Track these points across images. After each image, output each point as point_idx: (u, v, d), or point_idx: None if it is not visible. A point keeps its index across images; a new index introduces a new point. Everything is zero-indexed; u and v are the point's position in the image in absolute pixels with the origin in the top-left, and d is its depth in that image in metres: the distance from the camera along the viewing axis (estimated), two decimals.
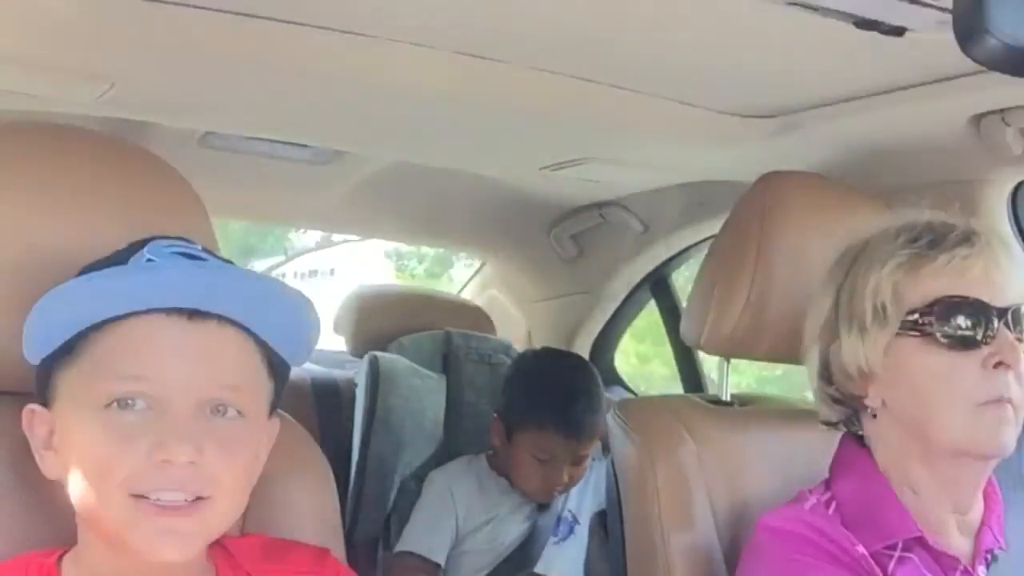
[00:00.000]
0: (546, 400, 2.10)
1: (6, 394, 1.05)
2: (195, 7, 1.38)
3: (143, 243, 0.96)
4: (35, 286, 0.99)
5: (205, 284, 0.93)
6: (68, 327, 0.92)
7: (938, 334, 1.14)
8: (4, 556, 0.98)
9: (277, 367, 1.00)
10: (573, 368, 2.27)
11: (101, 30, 1.39)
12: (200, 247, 0.98)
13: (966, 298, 1.14)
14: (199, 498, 0.90)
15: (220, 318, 0.93)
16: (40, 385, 0.95)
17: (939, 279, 1.16)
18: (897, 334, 1.16)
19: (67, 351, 0.92)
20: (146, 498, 0.88)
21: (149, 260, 0.93)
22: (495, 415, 2.20)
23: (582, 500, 2.20)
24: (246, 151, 2.23)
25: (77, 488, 0.91)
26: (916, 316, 1.15)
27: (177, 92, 1.74)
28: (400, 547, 2.09)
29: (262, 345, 0.97)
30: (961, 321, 1.14)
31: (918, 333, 1.15)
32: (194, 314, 0.92)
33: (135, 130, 1.83)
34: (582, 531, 2.18)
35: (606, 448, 2.20)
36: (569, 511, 2.18)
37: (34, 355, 0.94)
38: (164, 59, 1.54)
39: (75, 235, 1.03)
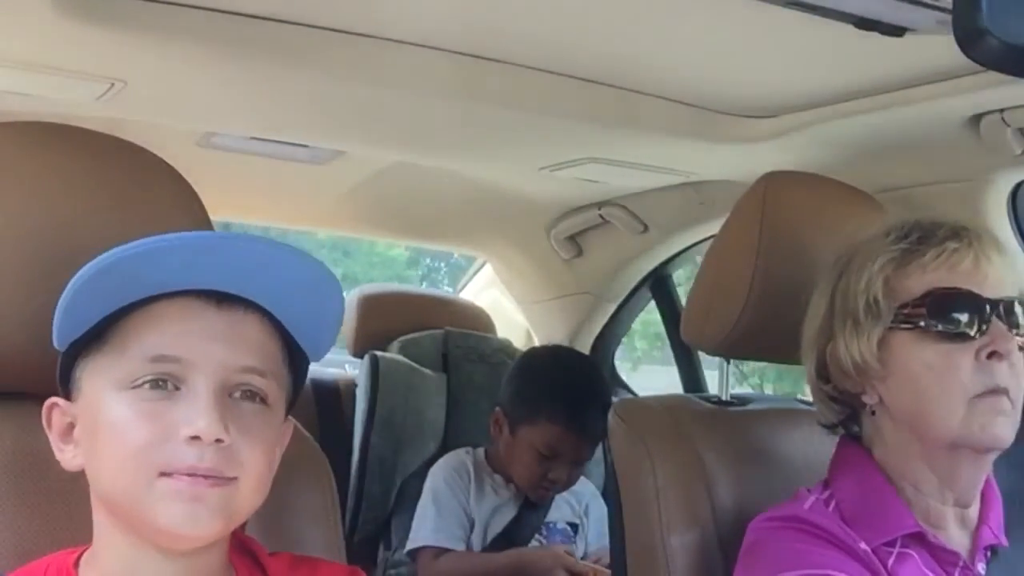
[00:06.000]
0: (561, 396, 2.10)
1: (8, 394, 1.05)
2: (195, 7, 1.38)
3: None
4: (33, 287, 0.99)
5: (235, 265, 0.92)
6: (100, 310, 0.91)
7: (930, 326, 1.14)
8: (14, 557, 0.98)
9: (297, 359, 1.00)
10: (587, 368, 2.28)
11: (101, 30, 1.39)
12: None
13: (957, 289, 1.15)
14: (226, 478, 0.90)
15: (248, 303, 0.94)
16: (63, 375, 0.95)
17: (929, 272, 1.16)
18: (890, 328, 1.17)
19: (95, 337, 0.92)
20: (174, 476, 0.88)
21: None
22: (497, 407, 2.19)
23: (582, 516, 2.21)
24: (246, 151, 2.23)
25: (104, 473, 0.91)
26: (908, 309, 1.16)
27: (178, 92, 1.75)
28: (415, 544, 2.08)
29: (284, 334, 0.97)
30: (953, 313, 1.14)
31: (910, 326, 1.16)
32: (223, 299, 0.93)
33: (135, 130, 1.83)
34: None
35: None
36: (566, 523, 2.19)
37: (63, 341, 0.93)
38: (165, 59, 1.54)
39: (75, 236, 1.02)
